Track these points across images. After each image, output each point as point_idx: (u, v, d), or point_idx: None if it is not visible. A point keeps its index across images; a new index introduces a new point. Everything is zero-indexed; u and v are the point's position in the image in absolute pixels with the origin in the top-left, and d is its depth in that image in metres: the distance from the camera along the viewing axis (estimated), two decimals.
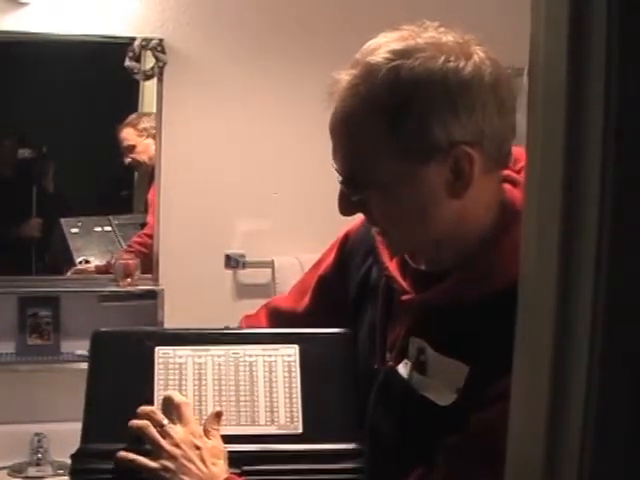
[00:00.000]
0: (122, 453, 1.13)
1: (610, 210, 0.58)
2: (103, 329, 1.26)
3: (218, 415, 1.17)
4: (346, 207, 1.10)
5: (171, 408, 1.16)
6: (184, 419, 1.15)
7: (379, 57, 1.03)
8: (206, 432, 1.15)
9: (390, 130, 1.02)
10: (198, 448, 1.13)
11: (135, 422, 1.14)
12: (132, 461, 1.12)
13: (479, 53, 1.04)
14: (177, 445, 1.12)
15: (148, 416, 1.14)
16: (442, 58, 1.02)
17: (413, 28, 1.06)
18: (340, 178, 1.09)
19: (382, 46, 1.04)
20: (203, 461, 1.12)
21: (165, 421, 1.14)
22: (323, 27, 2.53)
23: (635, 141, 0.58)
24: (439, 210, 1.06)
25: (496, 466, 0.70)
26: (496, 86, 1.04)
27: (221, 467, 1.12)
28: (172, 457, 1.11)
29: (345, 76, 1.06)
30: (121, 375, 1.20)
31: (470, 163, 1.03)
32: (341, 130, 1.07)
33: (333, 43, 2.38)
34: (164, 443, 1.12)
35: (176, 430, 1.13)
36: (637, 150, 0.58)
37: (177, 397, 1.17)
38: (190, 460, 1.11)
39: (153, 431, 1.13)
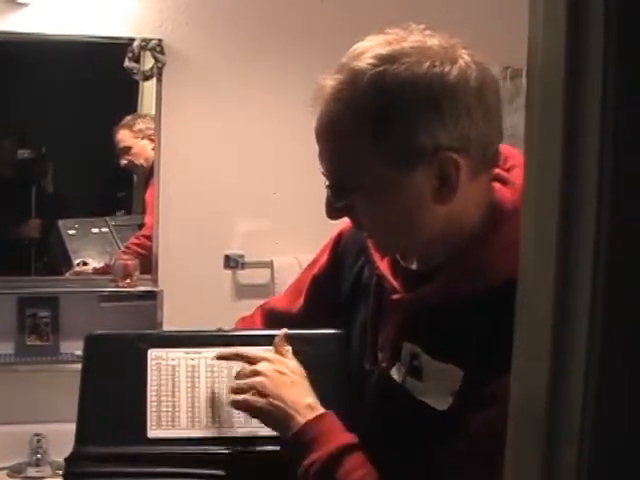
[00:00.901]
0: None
1: (609, 205, 0.58)
2: (96, 332, 1.26)
3: (285, 336, 1.22)
4: (333, 212, 1.10)
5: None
6: (252, 357, 1.19)
7: (364, 62, 1.03)
8: (280, 354, 1.20)
9: (375, 136, 1.02)
10: (282, 373, 1.16)
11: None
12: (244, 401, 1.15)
13: (464, 57, 1.03)
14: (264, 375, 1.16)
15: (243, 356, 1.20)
16: (427, 63, 1.01)
17: (398, 32, 1.06)
18: (327, 182, 1.09)
19: (367, 51, 1.04)
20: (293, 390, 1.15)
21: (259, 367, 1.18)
22: (322, 27, 2.53)
23: (632, 139, 0.58)
24: (425, 215, 1.06)
25: (497, 467, 0.70)
26: (481, 90, 1.03)
27: (314, 401, 1.15)
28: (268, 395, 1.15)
29: (330, 81, 1.05)
30: (114, 378, 1.20)
31: (456, 169, 1.02)
32: (326, 135, 1.07)
33: (332, 43, 2.37)
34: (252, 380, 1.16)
35: (261, 366, 1.17)
36: (635, 148, 0.58)
37: (223, 353, 1.21)
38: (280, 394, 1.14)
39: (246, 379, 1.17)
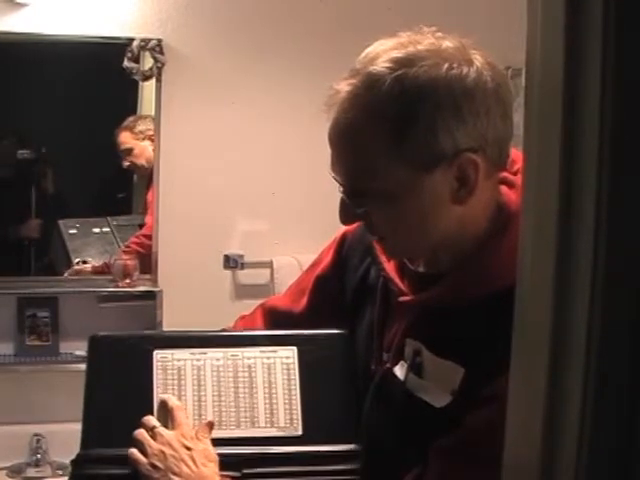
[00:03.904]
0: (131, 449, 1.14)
1: (608, 205, 0.58)
2: (100, 333, 1.25)
3: (209, 425, 1.17)
4: (348, 217, 1.09)
5: (165, 411, 1.16)
6: (176, 422, 1.16)
7: (380, 66, 1.01)
8: (197, 437, 1.15)
9: (395, 140, 1.01)
10: (189, 449, 1.13)
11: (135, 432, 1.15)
12: (130, 455, 1.13)
13: (478, 58, 1.03)
14: (166, 444, 1.13)
15: (142, 423, 1.16)
16: (445, 66, 1.01)
17: (410, 34, 1.05)
18: (341, 189, 1.08)
19: (381, 54, 1.02)
20: (194, 461, 1.12)
21: (157, 424, 1.15)
22: (322, 28, 2.53)
23: (632, 139, 0.58)
24: (441, 217, 1.05)
25: (490, 466, 0.71)
26: (498, 91, 1.03)
27: (212, 469, 1.13)
28: (161, 455, 1.12)
29: (345, 86, 1.04)
30: (119, 379, 1.20)
31: (475, 169, 1.02)
32: (343, 141, 1.05)
33: (332, 44, 2.39)
34: (152, 442, 1.13)
35: (166, 432, 1.14)
36: (634, 148, 0.58)
37: (171, 401, 1.18)
38: (180, 459, 1.12)
39: (142, 432, 1.14)
